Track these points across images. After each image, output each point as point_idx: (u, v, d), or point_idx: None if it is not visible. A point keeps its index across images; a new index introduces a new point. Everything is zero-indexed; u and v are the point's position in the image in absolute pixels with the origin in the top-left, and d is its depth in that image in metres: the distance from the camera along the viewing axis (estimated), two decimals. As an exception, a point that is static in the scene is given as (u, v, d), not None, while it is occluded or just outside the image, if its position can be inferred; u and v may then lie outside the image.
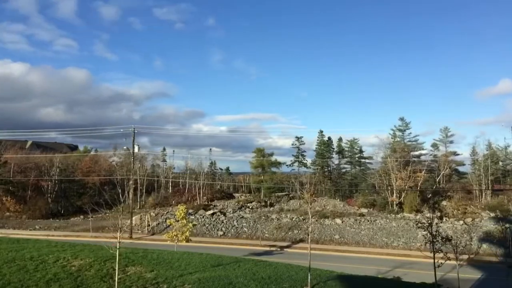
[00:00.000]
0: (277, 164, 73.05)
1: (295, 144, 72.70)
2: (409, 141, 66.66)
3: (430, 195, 58.92)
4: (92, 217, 48.53)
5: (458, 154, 68.73)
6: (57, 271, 15.24)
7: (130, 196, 49.04)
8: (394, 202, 54.34)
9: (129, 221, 44.33)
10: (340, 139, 76.52)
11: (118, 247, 13.44)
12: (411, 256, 34.10)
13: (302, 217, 47.09)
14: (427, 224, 17.26)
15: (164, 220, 46.86)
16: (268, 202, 63.53)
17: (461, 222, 43.81)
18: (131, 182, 49.74)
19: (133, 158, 50.04)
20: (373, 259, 33.58)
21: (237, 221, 46.59)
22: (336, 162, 77.86)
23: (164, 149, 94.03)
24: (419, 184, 57.15)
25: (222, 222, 46.48)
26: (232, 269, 16.84)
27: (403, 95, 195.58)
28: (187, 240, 31.78)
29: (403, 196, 55.02)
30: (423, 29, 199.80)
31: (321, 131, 75.95)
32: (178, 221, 32.30)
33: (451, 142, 68.89)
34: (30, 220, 52.42)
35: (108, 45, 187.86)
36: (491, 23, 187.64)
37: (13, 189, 59.94)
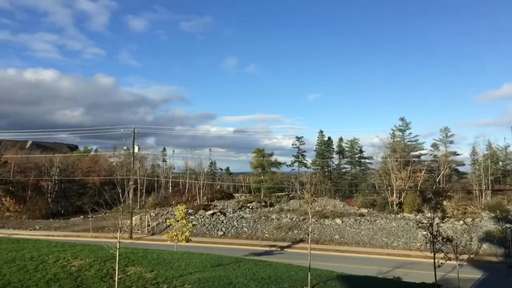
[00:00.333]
0: (277, 164, 73.11)
1: (295, 144, 72.77)
2: (409, 141, 66.70)
3: (431, 195, 58.93)
4: (92, 217, 48.52)
5: (458, 154, 68.82)
6: (57, 271, 15.23)
7: (130, 196, 49.04)
8: (394, 202, 54.33)
9: (129, 221, 44.32)
10: (340, 139, 76.60)
11: (118, 247, 13.43)
12: (411, 256, 34.09)
13: (302, 217, 47.08)
14: (427, 224, 17.28)
15: (164, 220, 46.86)
16: (268, 202, 63.54)
17: (461, 222, 43.80)
18: (131, 182, 49.73)
19: (133, 158, 50.04)
20: (373, 259, 33.58)
21: (237, 221, 46.58)
22: (336, 162, 77.95)
23: (164, 149, 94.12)
24: (419, 184, 57.15)
25: (222, 222, 46.47)
26: (232, 269, 16.83)
27: (403, 95, 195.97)
28: (187, 240, 31.77)
29: (403, 196, 55.01)
30: (424, 29, 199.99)
31: (321, 131, 76.06)
32: (178, 221, 32.29)
33: (451, 142, 68.99)
34: (30, 220, 52.41)
35: (132, 53, 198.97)
36: (496, 25, 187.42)
37: (13, 189, 59.92)
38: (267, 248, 37.11)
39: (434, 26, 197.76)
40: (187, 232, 31.75)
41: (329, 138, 75.75)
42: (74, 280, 14.21)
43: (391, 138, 66.77)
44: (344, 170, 78.40)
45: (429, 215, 33.47)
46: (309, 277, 14.61)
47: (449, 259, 16.44)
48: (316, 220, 44.83)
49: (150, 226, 46.89)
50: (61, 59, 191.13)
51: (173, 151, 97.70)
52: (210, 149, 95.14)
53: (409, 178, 55.76)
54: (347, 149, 76.90)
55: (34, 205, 56.37)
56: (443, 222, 42.30)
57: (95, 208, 40.00)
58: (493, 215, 45.14)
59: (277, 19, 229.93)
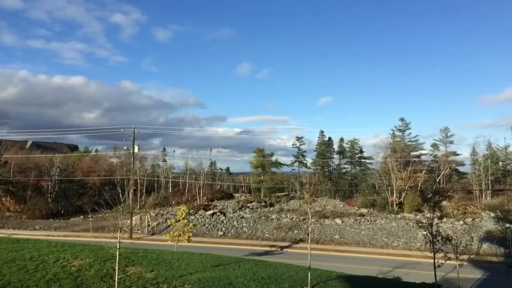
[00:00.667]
0: (277, 164, 73.09)
1: (295, 145, 72.77)
2: (409, 141, 66.74)
3: (431, 195, 58.92)
4: (92, 217, 48.52)
5: (458, 154, 68.85)
6: (57, 271, 15.23)
7: (130, 196, 49.04)
8: (394, 202, 54.33)
9: (129, 221, 44.32)
10: (341, 139, 76.64)
11: (118, 247, 13.42)
12: (411, 256, 34.07)
13: (302, 217, 47.08)
14: (427, 224, 17.28)
15: (164, 220, 46.86)
16: (268, 202, 63.53)
17: (461, 222, 43.80)
18: (131, 182, 49.74)
19: (133, 158, 50.04)
20: (373, 259, 33.57)
21: (237, 221, 46.58)
22: (337, 162, 77.96)
23: (164, 149, 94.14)
24: (419, 184, 57.14)
25: (222, 222, 46.47)
26: (232, 269, 16.82)
27: (403, 95, 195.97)
28: (189, 240, 31.84)
29: (403, 196, 55.01)
30: (424, 29, 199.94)
31: (322, 131, 76.14)
32: (178, 221, 32.32)
33: (451, 142, 69.05)
34: (30, 220, 52.40)
35: (153, 60, 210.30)
36: (497, 25, 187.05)
37: (13, 189, 59.93)
38: (267, 248, 37.10)
39: (434, 26, 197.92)
40: (189, 232, 31.81)
41: (330, 139, 75.85)
42: (74, 280, 14.20)
43: (391, 138, 66.84)
44: (344, 170, 78.42)
45: (429, 215, 33.48)
46: (309, 277, 14.61)
47: (449, 259, 16.45)
48: (316, 220, 44.83)
49: (150, 226, 46.89)
50: (87, 66, 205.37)
51: (174, 151, 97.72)
52: (210, 150, 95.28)
53: (409, 178, 55.76)
54: (347, 149, 76.92)
55: (34, 205, 56.36)
56: (442, 222, 42.29)
57: (95, 208, 39.94)
58: (493, 215, 45.13)
59: (277, 19, 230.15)
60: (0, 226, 47.48)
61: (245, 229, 44.75)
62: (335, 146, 76.46)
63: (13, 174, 61.64)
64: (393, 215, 49.33)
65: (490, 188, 60.19)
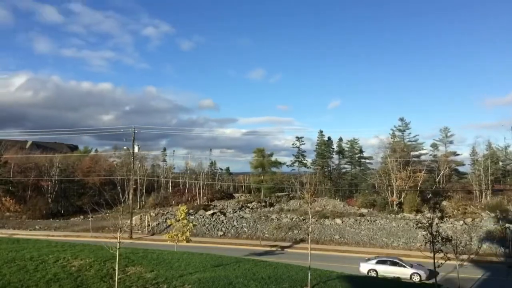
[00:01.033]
0: (277, 164, 73.06)
1: (295, 144, 72.72)
2: (409, 141, 66.72)
3: (430, 195, 58.91)
4: (92, 217, 48.50)
5: (458, 154, 68.86)
6: (57, 271, 15.23)
7: (130, 196, 49.02)
8: (394, 202, 54.32)
9: (129, 221, 44.31)
10: (340, 139, 76.60)
11: (118, 247, 13.43)
12: (411, 256, 34.04)
13: (302, 217, 47.07)
14: (427, 224, 17.29)
15: (164, 220, 46.85)
16: (268, 202, 63.52)
17: (461, 222, 43.79)
18: (131, 182, 49.73)
19: (133, 158, 50.02)
20: (373, 259, 33.54)
21: (237, 221, 46.57)
22: (336, 162, 77.94)
23: (165, 150, 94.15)
24: (419, 184, 57.13)
25: (222, 222, 46.46)
26: (232, 269, 16.83)
27: (403, 95, 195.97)
28: (188, 240, 31.79)
29: (403, 196, 55.00)
30: (424, 29, 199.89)
31: (321, 131, 76.11)
32: (178, 221, 32.31)
33: (451, 142, 69.05)
34: (30, 220, 52.39)
35: (174, 66, 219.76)
36: (498, 25, 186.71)
37: (13, 189, 59.93)
38: (268, 248, 37.10)
39: (434, 26, 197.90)
40: (188, 232, 31.77)
41: (329, 138, 75.80)
42: (74, 280, 14.21)
43: (391, 138, 66.82)
44: (344, 170, 78.40)
45: (428, 215, 33.48)
46: (309, 277, 14.61)
47: (449, 259, 16.45)
48: (316, 220, 44.82)
49: (150, 226, 46.87)
50: (113, 72, 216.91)
51: (173, 151, 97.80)
52: (210, 150, 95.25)
53: (409, 178, 55.75)
54: (347, 149, 76.92)
55: (34, 205, 56.36)
56: (442, 222, 42.29)
57: (95, 208, 39.95)
58: (493, 215, 45.12)
59: (277, 19, 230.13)
60: (0, 226, 47.47)
61: (245, 229, 44.74)
62: (335, 146, 76.47)
63: (13, 174, 61.63)
64: (393, 215, 49.32)
65: (490, 188, 60.17)
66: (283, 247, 38.17)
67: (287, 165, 73.71)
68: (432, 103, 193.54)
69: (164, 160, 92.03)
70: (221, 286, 13.91)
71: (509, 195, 53.64)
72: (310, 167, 75.51)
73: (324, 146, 74.55)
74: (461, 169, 69.52)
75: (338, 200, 63.22)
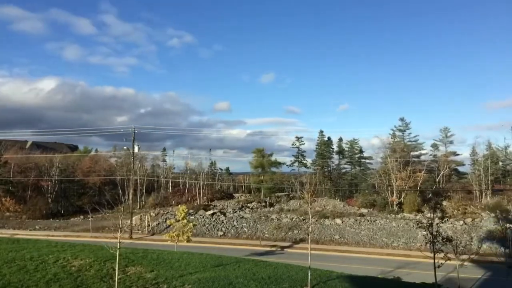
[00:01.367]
0: (277, 164, 73.07)
1: (295, 145, 72.72)
2: (409, 141, 66.72)
3: (431, 195, 58.90)
4: (92, 217, 48.52)
5: (458, 154, 68.88)
6: (57, 271, 15.23)
7: (130, 196, 49.03)
8: (394, 202, 54.32)
9: (129, 221, 44.32)
10: (340, 139, 76.60)
11: (118, 247, 13.41)
12: (411, 256, 34.08)
13: (302, 217, 47.07)
14: (427, 224, 17.28)
15: (164, 220, 46.85)
16: (268, 202, 63.51)
17: (461, 222, 43.80)
18: (131, 182, 49.73)
19: (133, 158, 50.02)
20: (373, 259, 33.57)
21: (237, 221, 46.57)
22: (336, 162, 77.95)
23: (164, 150, 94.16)
24: (419, 184, 57.13)
25: (222, 222, 46.47)
26: (232, 269, 16.82)
27: (403, 95, 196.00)
28: (188, 240, 31.80)
29: (403, 196, 55.00)
30: (426, 30, 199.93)
31: (321, 131, 76.16)
32: (178, 221, 32.31)
33: (451, 142, 69.06)
34: (30, 220, 52.39)
35: (190, 72, 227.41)
36: (499, 26, 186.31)
37: (13, 189, 59.93)
38: (268, 248, 37.10)
39: (434, 26, 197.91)
40: (189, 232, 31.78)
41: (329, 138, 75.82)
42: (74, 280, 14.20)
43: (391, 138, 66.84)
44: (344, 170, 78.40)
45: (429, 215, 33.47)
46: (309, 277, 14.60)
47: (449, 259, 16.45)
48: (316, 220, 44.82)
49: (150, 226, 46.89)
50: (134, 78, 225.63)
51: (173, 151, 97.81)
52: (210, 150, 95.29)
53: (409, 178, 55.75)
54: (347, 149, 76.93)
55: (34, 205, 56.35)
56: (443, 222, 42.30)
57: (95, 208, 40.06)
58: (493, 215, 45.13)
59: (277, 19, 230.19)
60: (0, 226, 47.47)
61: (245, 229, 44.75)
62: (335, 146, 76.49)
63: (13, 174, 61.63)
64: (393, 215, 49.32)
65: (490, 188, 60.17)
66: (283, 247, 38.18)
67: (287, 165, 73.82)
68: (432, 103, 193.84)
69: (164, 160, 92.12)
70: (221, 286, 13.91)
71: (509, 195, 53.65)
72: (310, 167, 75.57)
73: (324, 146, 74.56)
74: (461, 169, 69.62)
75: (338, 200, 63.21)
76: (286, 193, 71.93)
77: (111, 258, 16.19)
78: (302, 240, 40.27)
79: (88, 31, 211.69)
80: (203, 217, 48.43)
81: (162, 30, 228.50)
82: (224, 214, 51.10)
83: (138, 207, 61.42)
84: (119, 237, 13.73)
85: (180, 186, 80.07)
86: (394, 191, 55.93)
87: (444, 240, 17.28)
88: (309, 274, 14.70)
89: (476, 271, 28.02)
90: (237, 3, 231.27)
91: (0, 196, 56.97)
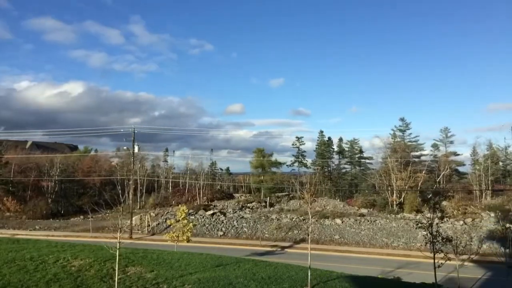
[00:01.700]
0: (277, 164, 73.10)
1: (295, 145, 72.72)
2: (410, 141, 66.71)
3: (431, 195, 58.88)
4: (92, 217, 48.50)
5: (458, 154, 68.89)
6: (57, 271, 15.23)
7: (130, 196, 49.02)
8: (394, 202, 54.31)
9: (129, 221, 44.32)
10: (340, 139, 76.61)
11: (118, 247, 13.41)
12: (412, 256, 34.06)
13: (302, 217, 47.05)
14: (427, 224, 17.25)
15: (164, 220, 46.85)
16: (268, 202, 63.51)
17: (461, 222, 43.78)
18: (131, 182, 49.73)
19: (133, 158, 50.02)
20: (373, 259, 33.56)
21: (237, 221, 46.57)
22: (336, 162, 77.96)
23: (166, 150, 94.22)
24: (419, 184, 57.11)
25: (222, 222, 46.46)
26: (232, 269, 16.81)
27: (404, 95, 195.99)
28: (188, 240, 31.80)
29: (403, 196, 54.97)
30: (426, 30, 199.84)
31: (321, 131, 76.19)
32: (178, 221, 32.30)
33: (451, 142, 69.07)
34: (30, 220, 52.37)
35: (206, 77, 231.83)
36: (500, 26, 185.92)
37: (13, 189, 59.94)
38: (268, 248, 37.10)
39: (434, 26, 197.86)
40: (189, 232, 31.77)
41: (329, 138, 75.83)
42: (74, 280, 14.20)
43: (391, 138, 66.85)
44: (344, 170, 78.39)
45: (429, 215, 33.43)
46: (309, 277, 14.59)
47: (449, 259, 16.42)
48: (316, 220, 44.81)
49: (150, 226, 46.88)
50: (154, 82, 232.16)
51: (174, 151, 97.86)
52: (211, 150, 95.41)
53: (409, 178, 55.73)
54: (347, 149, 76.93)
55: (34, 205, 56.36)
56: (442, 222, 42.27)
57: (95, 208, 39.86)
58: (493, 215, 45.11)
59: (277, 19, 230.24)
60: (0, 226, 47.46)
61: (245, 229, 44.74)
62: (335, 146, 76.50)
63: (13, 174, 61.64)
64: (393, 215, 49.30)
65: (490, 188, 60.16)
66: (283, 247, 38.18)
67: (287, 165, 73.86)
68: (432, 104, 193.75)
69: (165, 160, 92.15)
70: (221, 286, 13.90)
71: (509, 195, 53.59)
72: (310, 167, 75.59)
73: (324, 146, 74.57)
74: (461, 169, 69.67)
75: (338, 200, 63.20)
76: (286, 193, 71.94)
77: (111, 258, 16.19)
78: (302, 240, 40.27)
79: (117, 41, 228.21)
80: (203, 217, 48.42)
81: (185, 39, 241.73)
82: (224, 214, 51.09)
83: (138, 207, 61.42)
84: (119, 237, 13.72)
85: (180, 186, 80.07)
86: (394, 191, 55.92)
87: (444, 240, 17.25)
88: (309, 274, 14.69)
89: (476, 271, 28.01)
90: (238, 3, 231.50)
91: (0, 196, 56.97)
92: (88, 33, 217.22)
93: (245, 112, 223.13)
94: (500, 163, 71.59)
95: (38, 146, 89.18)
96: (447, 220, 45.59)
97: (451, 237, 18.87)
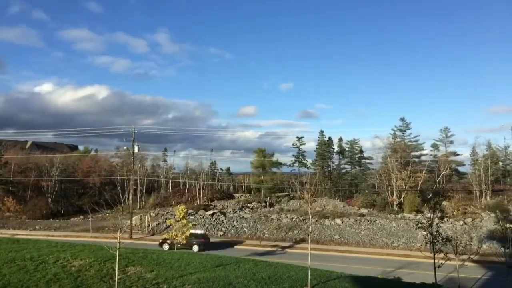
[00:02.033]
0: (278, 164, 73.09)
1: (296, 145, 72.70)
2: (410, 141, 66.70)
3: (431, 195, 58.87)
4: (92, 217, 48.48)
5: (458, 155, 68.90)
6: (57, 271, 15.23)
7: (130, 196, 49.00)
8: (394, 202, 54.30)
9: (129, 221, 44.29)
10: (340, 139, 76.60)
11: (118, 247, 13.41)
12: (412, 256, 34.05)
13: (302, 217, 47.03)
14: (427, 224, 17.25)
15: (164, 220, 46.83)
16: (268, 202, 63.51)
17: (461, 222, 43.77)
18: (131, 182, 49.71)
19: (133, 158, 50.00)
20: (373, 259, 33.55)
21: (237, 221, 46.56)
22: (336, 162, 77.96)
23: (166, 150, 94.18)
24: (419, 184, 57.10)
25: (222, 222, 46.45)
26: (232, 269, 16.82)
27: (403, 94, 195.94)
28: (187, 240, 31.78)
29: (403, 196, 54.97)
30: (426, 30, 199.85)
31: (322, 131, 76.18)
32: (178, 221, 32.29)
33: (451, 142, 69.08)
34: (30, 220, 52.34)
35: (221, 81, 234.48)
36: (501, 26, 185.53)
37: (13, 189, 59.91)
38: (268, 248, 37.07)
39: (434, 26, 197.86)
40: (187, 232, 31.75)
41: (330, 138, 75.82)
42: (74, 280, 14.20)
43: (391, 138, 66.86)
44: (344, 170, 78.38)
45: (429, 215, 33.41)
46: (309, 277, 14.60)
47: (449, 259, 16.42)
48: (316, 220, 44.79)
49: (150, 226, 46.87)
50: (169, 86, 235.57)
51: (174, 151, 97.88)
52: (211, 150, 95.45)
53: (409, 178, 55.72)
54: (347, 149, 76.93)
55: (34, 205, 56.33)
56: (442, 222, 42.27)
57: (95, 208, 39.98)
58: (493, 215, 45.12)
59: (277, 19, 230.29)
60: (0, 226, 47.45)
61: (245, 229, 44.73)
62: (335, 146, 76.52)
63: (13, 174, 61.62)
64: (393, 215, 49.29)
65: (490, 188, 60.15)
66: (283, 247, 38.15)
67: (287, 165, 73.84)
68: (432, 104, 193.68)
69: (165, 160, 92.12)
70: (221, 286, 13.91)
71: (509, 195, 53.60)
72: (310, 167, 75.58)
73: (325, 146, 74.57)
74: (461, 169, 69.68)
75: (338, 200, 63.19)
76: (286, 193, 71.93)
77: (111, 258, 16.19)
78: (302, 240, 40.25)
79: (142, 50, 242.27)
80: (203, 217, 48.41)
81: (205, 48, 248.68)
82: (224, 214, 51.08)
83: (138, 207, 61.40)
84: (119, 237, 13.73)
85: (180, 186, 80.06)
86: (394, 191, 55.91)
87: (444, 240, 17.25)
88: (309, 274, 14.70)
89: (476, 271, 28.01)
90: (239, 3, 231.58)
91: (0, 196, 56.96)
92: (116, 43, 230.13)
93: (256, 114, 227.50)
94: (500, 163, 71.61)
95: (38, 146, 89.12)
96: (447, 220, 45.59)
97: (451, 237, 18.86)
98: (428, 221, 17.42)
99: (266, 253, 34.69)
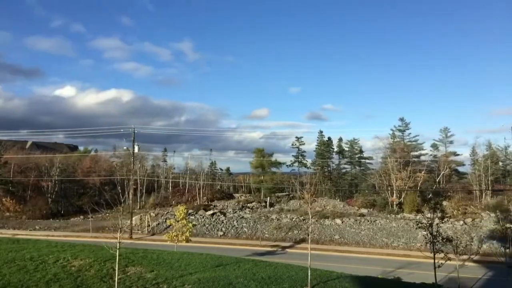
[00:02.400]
0: (277, 164, 73.10)
1: (295, 145, 72.71)
2: (409, 141, 66.72)
3: (431, 195, 58.88)
4: (92, 217, 48.50)
5: (458, 154, 68.90)
6: (57, 271, 15.22)
7: (130, 196, 49.01)
8: (394, 202, 54.30)
9: (129, 221, 44.31)
10: (340, 139, 76.61)
11: (118, 247, 13.40)
12: (412, 256, 34.06)
13: (302, 217, 47.04)
14: (427, 224, 17.26)
15: (164, 220, 46.84)
16: (268, 202, 63.52)
17: (461, 222, 43.78)
18: (131, 182, 49.71)
19: (133, 158, 50.00)
20: (373, 259, 33.56)
21: (237, 221, 46.56)
22: (336, 162, 77.98)
23: (165, 150, 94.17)
24: (419, 184, 57.10)
25: (222, 222, 46.46)
26: (232, 270, 16.81)
27: (403, 94, 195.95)
28: (187, 240, 31.76)
29: (403, 196, 54.97)
30: (426, 30, 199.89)
31: (321, 131, 76.22)
32: (178, 221, 32.28)
33: (451, 142, 69.09)
34: (30, 220, 52.35)
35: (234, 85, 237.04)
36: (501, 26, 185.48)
37: (13, 189, 59.91)
38: (268, 248, 37.10)
39: (434, 26, 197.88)
40: (187, 232, 31.74)
41: (329, 138, 75.83)
42: (74, 280, 14.19)
43: (391, 138, 66.86)
44: (344, 170, 78.40)
45: (429, 215, 33.42)
46: (309, 277, 14.59)
47: (449, 259, 16.43)
48: (316, 220, 44.80)
49: (150, 226, 46.88)
50: (188, 91, 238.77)
51: (174, 151, 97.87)
52: (211, 150, 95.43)
53: (409, 178, 55.73)
54: (347, 149, 76.95)
55: (34, 205, 56.34)
56: (443, 222, 42.27)
57: (95, 208, 39.98)
58: (493, 215, 45.12)
59: (277, 19, 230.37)
60: (0, 226, 47.45)
61: (245, 229, 44.74)
62: (335, 146, 76.51)
63: (13, 174, 61.63)
64: (393, 215, 49.30)
65: (490, 188, 60.16)
66: (283, 247, 38.17)
67: (287, 165, 73.87)
68: (432, 104, 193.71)
69: (165, 160, 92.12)
70: (221, 286, 13.90)
71: (509, 195, 53.61)
72: (310, 167, 75.59)
73: (324, 146, 74.59)
74: (461, 169, 69.69)
75: (338, 200, 63.20)
76: (286, 193, 71.94)
77: (111, 258, 16.18)
78: (302, 240, 40.27)
79: (166, 59, 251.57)
80: (203, 217, 48.41)
81: (222, 56, 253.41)
82: (224, 214, 51.09)
83: (138, 207, 61.40)
84: (119, 237, 13.71)
85: (180, 186, 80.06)
86: (394, 191, 55.92)
87: (444, 240, 17.26)
88: (309, 274, 14.69)
89: (476, 271, 28.01)
90: (239, 3, 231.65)
91: (0, 196, 56.96)
92: (143, 52, 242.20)
93: (268, 116, 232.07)
94: (500, 163, 71.62)
95: (38, 146, 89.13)
96: (447, 220, 45.59)
97: (451, 237, 18.88)
98: (428, 221, 17.42)
99: (266, 253, 34.70)
